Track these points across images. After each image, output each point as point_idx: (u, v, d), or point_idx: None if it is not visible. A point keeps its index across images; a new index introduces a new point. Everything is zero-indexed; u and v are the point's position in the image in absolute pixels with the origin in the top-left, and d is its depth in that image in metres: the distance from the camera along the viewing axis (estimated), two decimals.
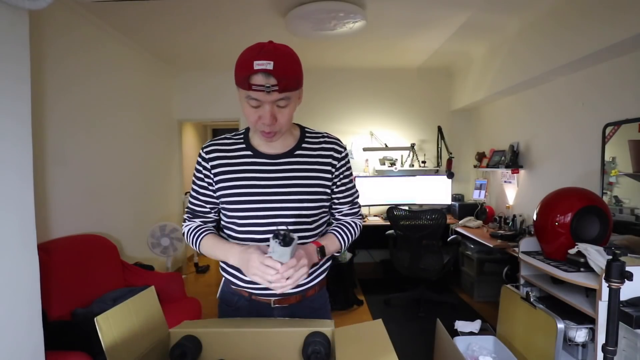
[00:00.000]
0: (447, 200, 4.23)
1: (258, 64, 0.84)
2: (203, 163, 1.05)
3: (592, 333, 1.69)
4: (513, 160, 3.44)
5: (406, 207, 3.78)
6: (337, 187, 1.09)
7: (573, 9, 2.44)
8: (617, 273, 1.22)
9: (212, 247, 1.03)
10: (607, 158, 2.39)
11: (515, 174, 3.52)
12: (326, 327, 0.85)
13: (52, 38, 2.41)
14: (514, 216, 3.33)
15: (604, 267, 1.44)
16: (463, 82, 4.23)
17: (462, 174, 4.59)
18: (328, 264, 1.13)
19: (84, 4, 2.59)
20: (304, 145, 1.05)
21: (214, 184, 1.04)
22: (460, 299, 3.50)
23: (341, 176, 1.08)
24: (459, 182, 4.55)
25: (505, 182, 3.77)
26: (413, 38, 3.41)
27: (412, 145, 4.45)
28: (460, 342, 2.00)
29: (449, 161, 4.21)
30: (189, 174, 5.54)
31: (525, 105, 3.43)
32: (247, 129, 1.08)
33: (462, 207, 4.04)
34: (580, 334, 1.71)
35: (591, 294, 1.73)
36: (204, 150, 1.05)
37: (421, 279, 3.28)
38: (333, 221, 1.15)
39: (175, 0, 2.58)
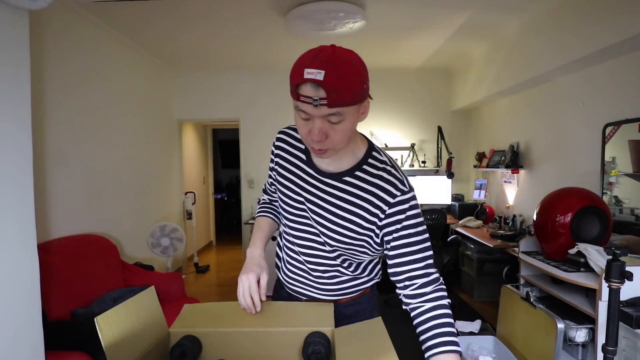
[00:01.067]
0: (447, 200, 4.23)
1: (308, 73, 0.72)
2: (273, 149, 1.05)
3: (592, 333, 1.69)
4: (513, 160, 3.44)
5: None
6: (394, 240, 0.87)
7: (572, 9, 2.44)
8: (617, 273, 1.23)
9: (255, 229, 1.09)
10: (607, 158, 2.39)
11: (515, 174, 3.52)
12: (326, 326, 0.85)
13: (52, 38, 2.41)
14: (514, 216, 3.33)
15: (604, 267, 1.44)
16: (463, 82, 4.23)
17: (462, 174, 4.59)
18: (377, 270, 1.07)
19: (84, 4, 2.59)
20: (357, 172, 0.90)
21: (274, 168, 1.04)
22: (460, 299, 3.50)
23: (398, 226, 0.86)
24: (459, 182, 4.55)
25: (505, 182, 3.77)
26: (413, 38, 3.41)
27: (412, 145, 4.46)
28: (460, 342, 2.00)
29: (449, 161, 4.21)
30: (189, 174, 5.56)
31: (525, 105, 3.43)
32: None
33: (462, 207, 4.04)
34: (580, 334, 1.71)
35: (591, 294, 1.73)
36: (277, 136, 1.04)
37: None
38: (413, 303, 0.85)
39: (176, 1, 2.58)
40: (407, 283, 0.86)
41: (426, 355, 0.81)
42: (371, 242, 0.90)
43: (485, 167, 3.96)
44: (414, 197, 0.87)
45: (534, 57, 2.86)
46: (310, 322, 0.86)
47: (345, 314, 0.99)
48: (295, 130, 1.01)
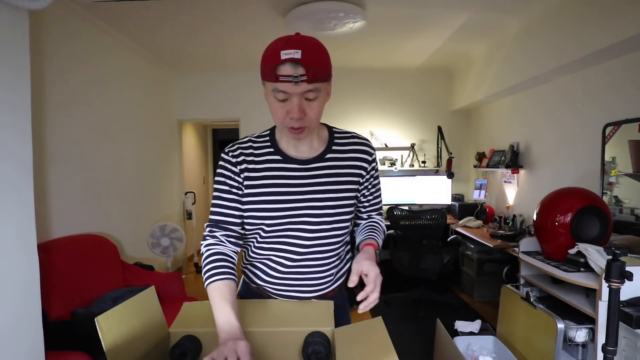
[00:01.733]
0: (447, 200, 4.23)
1: (285, 53, 0.79)
2: (230, 167, 0.95)
3: (592, 333, 1.69)
4: (513, 160, 3.44)
5: (406, 207, 3.78)
6: (368, 190, 1.06)
7: (572, 9, 2.44)
8: (617, 273, 1.22)
9: (213, 300, 0.85)
10: (607, 158, 2.39)
11: (515, 174, 3.52)
12: (326, 326, 0.85)
13: (53, 40, 2.41)
14: (514, 216, 3.33)
15: (604, 267, 1.44)
16: (463, 82, 4.23)
17: (462, 174, 4.59)
18: (348, 265, 1.10)
19: (83, 4, 2.59)
20: (334, 147, 1.00)
21: (243, 188, 0.95)
22: (460, 299, 3.50)
23: (371, 179, 1.05)
24: (459, 182, 4.55)
25: (505, 182, 3.77)
26: (413, 38, 3.41)
27: (412, 145, 4.46)
28: (460, 342, 2.00)
29: (449, 161, 4.21)
30: (189, 174, 5.55)
31: (525, 105, 3.43)
32: (272, 130, 1.00)
33: (462, 207, 4.04)
34: (580, 334, 1.71)
35: (591, 294, 1.73)
36: (230, 153, 0.96)
37: (421, 279, 3.28)
38: (359, 222, 1.11)
39: (175, 1, 2.58)
40: (365, 215, 1.10)
41: (358, 241, 1.05)
42: (357, 196, 1.05)
43: (485, 167, 3.96)
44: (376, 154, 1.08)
45: (534, 57, 2.86)
46: (310, 322, 0.86)
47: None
48: (245, 142, 0.98)
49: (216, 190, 0.97)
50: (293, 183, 0.95)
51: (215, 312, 0.83)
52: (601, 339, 1.53)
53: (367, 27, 2.96)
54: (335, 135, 1.02)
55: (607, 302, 1.28)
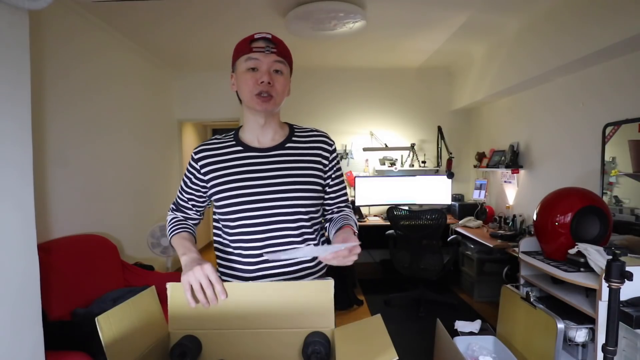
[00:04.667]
0: (447, 200, 4.23)
1: (258, 34, 0.98)
2: (192, 163, 1.08)
3: (592, 333, 1.69)
4: (513, 160, 3.44)
5: (406, 207, 3.78)
6: (332, 180, 1.12)
7: (572, 9, 2.44)
8: (617, 273, 1.23)
9: (177, 244, 1.01)
10: (607, 158, 2.39)
11: (515, 174, 3.52)
12: (326, 326, 0.85)
13: (53, 39, 2.41)
14: (514, 216, 3.33)
15: (604, 267, 1.44)
16: (463, 82, 4.23)
17: (462, 174, 4.59)
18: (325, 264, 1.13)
19: (83, 5, 2.59)
20: (294, 138, 1.09)
21: (204, 183, 1.06)
22: (460, 299, 3.50)
23: (334, 169, 1.12)
24: (459, 182, 4.55)
25: (505, 182, 3.77)
26: (413, 38, 3.41)
27: (412, 145, 4.46)
28: (460, 342, 2.00)
29: (449, 161, 4.21)
30: None
31: (525, 105, 3.43)
32: (238, 129, 1.11)
33: (462, 207, 4.04)
34: (580, 334, 1.71)
35: (591, 294, 1.73)
36: (194, 151, 1.09)
37: (421, 279, 3.28)
38: (330, 216, 1.15)
39: (176, 2, 2.58)
40: (335, 209, 1.15)
41: (333, 233, 1.06)
42: (322, 183, 1.09)
43: (485, 167, 3.96)
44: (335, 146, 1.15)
45: (533, 57, 2.86)
46: (310, 322, 0.86)
47: None
48: (211, 139, 1.11)
49: (182, 180, 1.12)
50: (253, 169, 1.02)
51: (177, 250, 0.99)
52: (601, 339, 1.53)
53: (367, 27, 2.96)
54: (296, 129, 1.12)
55: (607, 302, 1.28)
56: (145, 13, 2.79)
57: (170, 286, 0.88)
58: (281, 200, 1.01)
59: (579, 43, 2.36)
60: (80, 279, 2.28)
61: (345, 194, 1.17)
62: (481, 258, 3.46)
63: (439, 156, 4.49)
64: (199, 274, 0.82)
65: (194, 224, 1.15)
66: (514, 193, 3.60)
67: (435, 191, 4.24)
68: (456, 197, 4.40)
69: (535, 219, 2.09)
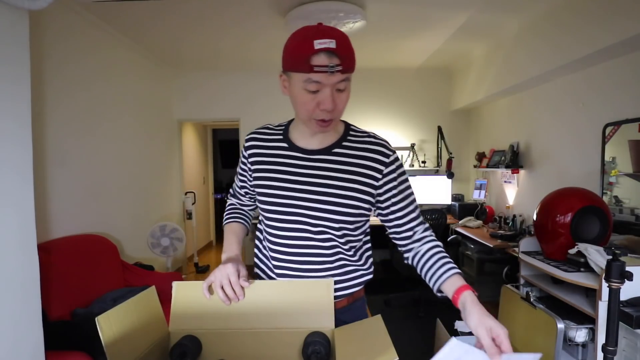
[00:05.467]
0: (447, 200, 4.23)
1: (320, 43, 0.77)
2: (243, 151, 1.04)
3: (592, 333, 1.69)
4: (513, 160, 3.44)
5: None
6: (394, 197, 0.94)
7: (572, 9, 2.44)
8: (617, 273, 1.23)
9: (225, 236, 1.06)
10: (607, 158, 2.39)
11: (515, 174, 3.52)
12: (326, 326, 0.85)
13: (53, 39, 2.41)
14: (514, 216, 3.33)
15: (604, 267, 1.44)
16: (463, 82, 4.23)
17: (462, 174, 4.59)
18: (371, 270, 1.05)
19: (84, 5, 2.59)
20: (344, 143, 0.95)
21: (250, 172, 1.02)
22: None
23: (395, 183, 0.94)
24: (459, 182, 4.55)
25: (505, 182, 3.77)
26: (413, 38, 3.41)
27: (412, 145, 4.46)
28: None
29: (449, 161, 4.21)
30: (189, 174, 5.55)
31: (525, 105, 3.43)
32: (290, 121, 1.02)
33: (462, 207, 4.04)
34: (580, 334, 1.71)
35: (591, 294, 1.73)
36: (245, 139, 1.04)
37: (421, 279, 3.27)
38: (416, 247, 0.96)
39: (175, 1, 2.58)
40: (409, 233, 0.96)
41: (437, 283, 0.91)
42: (369, 207, 0.96)
43: (485, 167, 3.96)
44: (398, 157, 0.98)
45: (534, 57, 2.86)
46: (310, 322, 0.86)
47: (344, 321, 0.93)
48: (265, 127, 1.03)
49: (238, 165, 1.09)
50: (294, 172, 0.94)
51: (226, 243, 1.01)
52: (601, 339, 1.53)
53: (367, 27, 2.96)
54: (351, 132, 0.98)
55: (607, 302, 1.28)
56: (145, 13, 2.79)
57: (175, 285, 0.89)
58: (316, 210, 0.92)
59: (579, 43, 2.36)
60: (80, 279, 2.28)
61: (418, 214, 0.98)
62: (481, 258, 3.46)
63: (439, 156, 4.49)
64: (221, 274, 0.86)
65: (250, 209, 1.15)
66: (514, 193, 3.60)
67: (435, 191, 4.24)
68: (456, 197, 4.40)
69: (535, 219, 2.09)
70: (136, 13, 2.79)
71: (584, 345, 1.78)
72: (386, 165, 0.93)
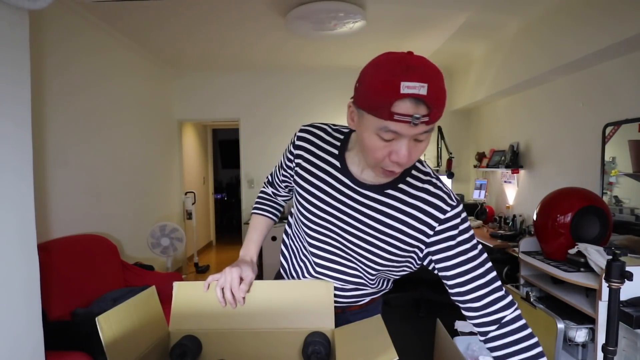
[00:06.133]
0: None
1: (408, 87, 0.61)
2: (291, 147, 0.94)
3: (592, 333, 1.69)
4: (513, 160, 3.44)
5: None
6: (451, 259, 0.78)
7: (573, 9, 2.44)
8: (617, 273, 1.23)
9: (249, 229, 1.06)
10: (607, 158, 2.39)
11: (515, 174, 3.52)
12: (326, 326, 0.85)
13: (52, 39, 2.41)
14: (514, 216, 3.33)
15: (604, 267, 1.44)
16: (463, 82, 4.23)
17: (462, 174, 4.59)
18: (383, 292, 1.01)
19: (84, 5, 2.59)
20: (400, 185, 0.81)
21: (291, 171, 0.96)
22: None
23: (453, 243, 0.78)
24: (459, 182, 4.55)
25: (505, 182, 3.77)
26: (413, 38, 3.41)
27: None
28: (460, 342, 2.00)
29: (449, 161, 4.21)
30: (189, 174, 5.54)
31: (525, 105, 3.43)
32: (349, 134, 0.88)
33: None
34: (580, 334, 1.71)
35: (591, 294, 1.73)
36: (298, 134, 0.93)
37: (421, 279, 3.28)
38: (477, 323, 0.77)
39: (176, 2, 2.58)
40: (474, 305, 0.76)
41: None
42: (413, 262, 0.85)
43: (485, 167, 3.95)
44: (463, 211, 0.80)
45: (533, 57, 2.86)
46: (310, 322, 0.86)
47: (353, 321, 0.90)
48: (323, 130, 0.91)
49: (283, 155, 1.01)
50: (337, 197, 0.84)
51: (247, 237, 1.03)
52: (601, 339, 1.53)
53: (367, 27, 2.96)
54: (413, 172, 0.83)
55: (607, 302, 1.28)
56: (145, 13, 2.79)
57: (176, 285, 0.89)
58: (349, 249, 0.86)
59: (579, 43, 2.36)
60: (80, 279, 2.28)
61: (486, 276, 0.77)
62: None
63: (439, 156, 4.49)
64: (225, 277, 0.87)
65: (285, 199, 1.11)
66: (514, 193, 3.60)
67: None
68: (456, 197, 4.40)
69: (535, 219, 2.09)
70: (136, 14, 2.79)
71: (584, 345, 1.78)
72: (440, 222, 0.78)
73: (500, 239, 3.02)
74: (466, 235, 0.79)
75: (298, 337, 0.84)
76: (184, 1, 2.59)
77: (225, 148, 7.88)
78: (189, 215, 4.68)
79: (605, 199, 2.35)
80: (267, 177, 1.11)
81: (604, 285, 1.35)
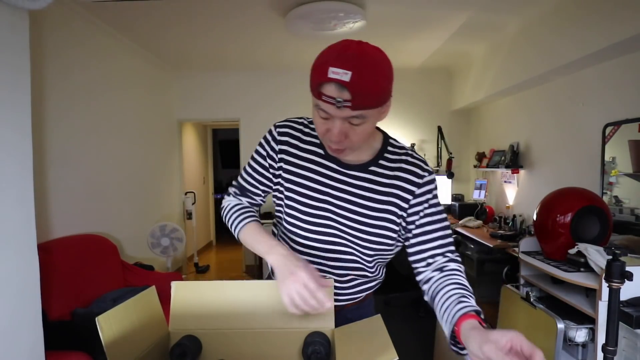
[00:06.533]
0: (447, 200, 4.23)
1: (333, 72, 0.68)
2: (271, 143, 0.92)
3: (592, 333, 1.69)
4: (513, 160, 3.44)
5: None
6: (421, 218, 0.86)
7: (573, 8, 2.44)
8: (617, 273, 1.23)
9: (255, 237, 0.88)
10: (607, 158, 2.39)
11: (515, 174, 3.52)
12: (326, 326, 0.85)
13: (52, 38, 2.41)
14: (514, 216, 3.33)
15: (604, 267, 1.44)
16: (463, 82, 4.23)
17: (462, 174, 4.59)
18: (377, 281, 1.02)
19: (83, 4, 2.59)
20: (381, 161, 0.88)
21: (274, 170, 0.92)
22: None
23: (422, 208, 0.86)
24: (459, 182, 4.55)
25: (505, 182, 3.77)
26: (413, 38, 3.41)
27: (412, 145, 4.46)
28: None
29: (449, 161, 4.21)
30: (189, 174, 5.55)
31: (525, 105, 3.43)
32: None
33: (462, 207, 4.04)
34: (580, 334, 1.71)
35: (591, 294, 1.72)
36: (277, 129, 0.92)
37: None
38: (436, 277, 0.84)
39: (176, 2, 2.58)
40: (430, 261, 0.84)
41: (450, 320, 0.74)
42: (398, 222, 0.88)
43: (485, 167, 3.96)
44: (435, 179, 0.90)
45: (533, 57, 2.86)
46: (310, 322, 0.86)
47: (350, 319, 0.90)
48: (301, 123, 0.94)
49: (252, 158, 0.96)
50: (327, 183, 0.87)
51: (255, 246, 0.87)
52: (601, 339, 1.52)
53: (367, 27, 2.96)
54: (389, 147, 0.90)
55: (607, 302, 1.28)
56: (145, 14, 2.79)
57: (174, 285, 0.89)
58: (342, 228, 0.87)
59: (578, 43, 2.36)
60: (80, 279, 2.28)
61: (444, 238, 0.85)
62: (481, 258, 3.46)
63: (439, 156, 4.49)
64: (296, 287, 0.74)
65: (258, 211, 1.00)
66: (514, 193, 3.60)
67: None
68: (456, 197, 4.40)
69: (535, 219, 2.09)
70: (137, 13, 2.79)
71: (584, 345, 1.78)
72: (419, 186, 0.86)
73: (500, 239, 3.02)
74: (437, 200, 0.89)
75: (298, 337, 0.84)
76: (185, 2, 2.59)
77: (225, 148, 7.88)
78: (189, 215, 4.68)
79: (605, 199, 2.35)
80: (233, 190, 0.99)
81: (604, 285, 1.35)
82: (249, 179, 0.96)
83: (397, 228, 0.87)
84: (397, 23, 3.06)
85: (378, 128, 0.92)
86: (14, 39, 1.40)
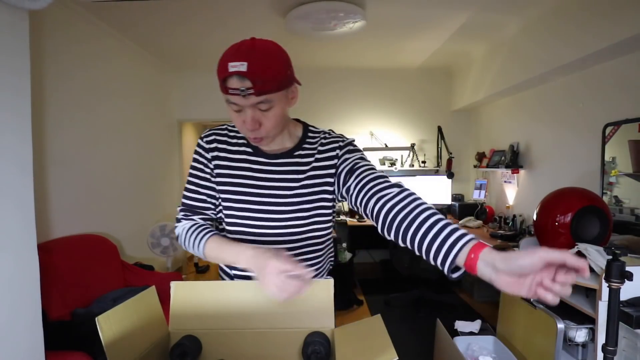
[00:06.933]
0: (447, 200, 4.23)
1: (232, 66, 0.78)
2: (203, 153, 0.97)
3: (592, 333, 1.69)
4: (513, 160, 3.44)
5: None
6: (347, 165, 0.94)
7: (574, 8, 2.44)
8: (617, 273, 1.23)
9: (220, 249, 0.90)
10: (607, 158, 2.39)
11: (515, 174, 3.52)
12: (326, 326, 0.85)
13: (52, 38, 2.41)
14: (514, 216, 3.33)
15: (604, 267, 1.44)
16: (463, 82, 4.23)
17: (462, 174, 4.59)
18: (331, 259, 1.11)
19: (84, 5, 2.59)
20: (304, 145, 0.97)
21: (214, 175, 0.97)
22: (460, 299, 3.50)
23: (345, 161, 0.95)
24: (459, 182, 4.55)
25: (505, 182, 3.77)
26: (413, 38, 3.41)
27: (412, 145, 4.46)
28: (460, 342, 2.00)
29: (449, 161, 4.21)
30: None
31: (525, 106, 3.43)
32: None
33: (462, 207, 4.04)
34: (580, 334, 1.71)
35: (591, 294, 1.73)
36: (204, 139, 0.97)
37: (421, 279, 3.28)
38: (387, 202, 0.82)
39: (175, 2, 2.58)
40: (379, 195, 0.84)
41: (453, 251, 0.69)
42: (332, 197, 0.98)
43: (485, 167, 3.96)
44: (354, 140, 1.01)
45: (533, 58, 2.86)
46: (310, 322, 0.86)
47: None
48: (222, 129, 1.00)
49: (190, 175, 0.99)
50: (259, 177, 0.95)
51: (225, 257, 0.89)
52: (601, 339, 1.53)
53: (367, 27, 2.96)
54: (309, 134, 0.99)
55: (607, 302, 1.28)
56: (145, 14, 2.79)
57: (174, 285, 0.89)
58: (283, 218, 0.94)
59: (578, 43, 2.36)
60: (80, 279, 2.28)
61: (383, 176, 0.90)
62: None
63: (439, 156, 4.49)
64: (273, 277, 0.74)
65: (215, 226, 1.02)
66: (514, 193, 3.60)
67: (435, 191, 4.23)
68: (456, 197, 4.40)
69: (535, 219, 2.09)
70: (137, 12, 2.79)
71: (584, 345, 1.78)
72: (341, 148, 0.97)
73: (500, 239, 3.02)
74: (354, 147, 0.98)
75: (298, 337, 0.84)
76: (185, 3, 2.59)
77: None
78: None
79: (605, 199, 2.35)
80: (182, 215, 0.99)
81: (604, 285, 1.35)
82: (195, 195, 0.98)
83: (331, 197, 0.97)
84: (397, 23, 3.06)
85: (299, 120, 1.02)
86: (13, 39, 1.40)
